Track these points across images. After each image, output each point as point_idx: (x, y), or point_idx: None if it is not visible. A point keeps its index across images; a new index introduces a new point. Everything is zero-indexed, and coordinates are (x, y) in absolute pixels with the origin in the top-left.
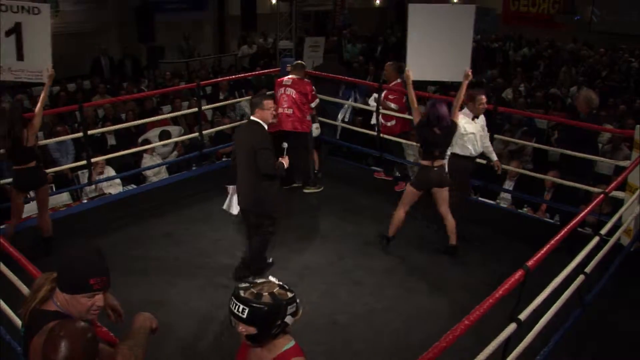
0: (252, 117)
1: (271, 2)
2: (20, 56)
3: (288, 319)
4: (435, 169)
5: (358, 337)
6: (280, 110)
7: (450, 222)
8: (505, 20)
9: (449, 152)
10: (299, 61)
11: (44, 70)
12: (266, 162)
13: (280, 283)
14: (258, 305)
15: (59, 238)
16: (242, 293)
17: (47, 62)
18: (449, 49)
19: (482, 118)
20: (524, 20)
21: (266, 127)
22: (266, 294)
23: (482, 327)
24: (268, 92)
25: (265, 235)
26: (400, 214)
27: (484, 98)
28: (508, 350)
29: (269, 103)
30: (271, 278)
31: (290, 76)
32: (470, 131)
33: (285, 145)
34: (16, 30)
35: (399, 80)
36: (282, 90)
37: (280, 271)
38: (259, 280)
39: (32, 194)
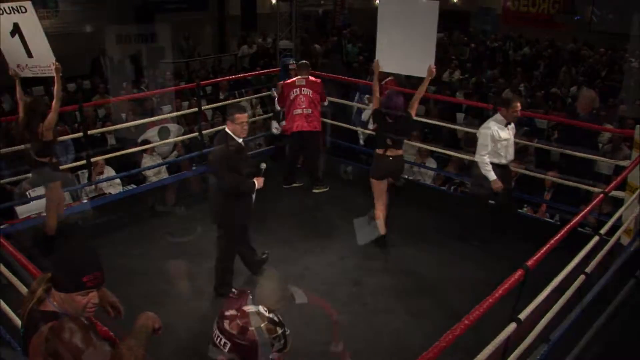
0: (225, 128)
1: (271, 2)
2: (29, 53)
3: (273, 355)
4: (390, 158)
5: (358, 337)
6: (299, 111)
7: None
8: (505, 20)
9: (487, 160)
10: (304, 61)
11: (51, 64)
12: (226, 183)
13: (270, 316)
14: (241, 342)
15: (59, 238)
16: (226, 324)
17: (50, 56)
18: (414, 44)
19: (512, 125)
20: (524, 20)
21: (239, 140)
22: (252, 328)
23: (482, 327)
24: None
25: (223, 247)
26: (378, 210)
27: (519, 105)
28: (508, 350)
29: (240, 117)
30: (261, 309)
31: (300, 76)
32: (504, 137)
33: (263, 166)
34: (17, 31)
35: (391, 78)
36: (296, 91)
37: (281, 271)
38: (248, 309)
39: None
